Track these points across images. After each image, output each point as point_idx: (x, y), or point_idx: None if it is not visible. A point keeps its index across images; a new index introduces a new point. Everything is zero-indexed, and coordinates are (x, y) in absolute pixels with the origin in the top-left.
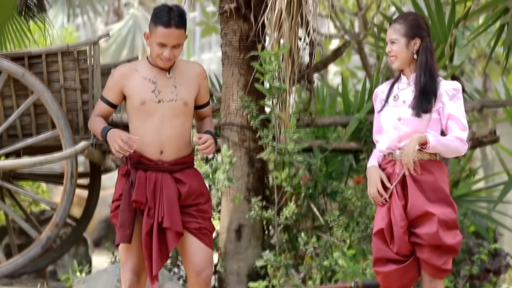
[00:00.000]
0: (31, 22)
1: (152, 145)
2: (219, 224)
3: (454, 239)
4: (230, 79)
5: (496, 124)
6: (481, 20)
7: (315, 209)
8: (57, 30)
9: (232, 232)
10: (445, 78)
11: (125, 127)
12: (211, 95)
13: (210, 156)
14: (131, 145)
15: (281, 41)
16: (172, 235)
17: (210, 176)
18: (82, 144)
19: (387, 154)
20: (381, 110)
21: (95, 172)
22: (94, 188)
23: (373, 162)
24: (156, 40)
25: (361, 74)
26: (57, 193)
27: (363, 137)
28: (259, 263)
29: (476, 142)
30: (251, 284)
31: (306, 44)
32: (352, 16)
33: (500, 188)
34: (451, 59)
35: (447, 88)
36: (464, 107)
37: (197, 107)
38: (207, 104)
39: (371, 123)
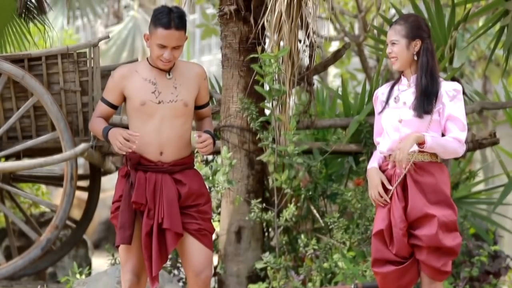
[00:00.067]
0: (31, 24)
1: (152, 146)
2: (219, 226)
3: (453, 241)
4: (230, 81)
5: (496, 126)
6: (481, 22)
7: (315, 211)
8: (57, 32)
9: (232, 234)
10: (445, 80)
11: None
12: (211, 97)
13: (210, 158)
14: (133, 141)
15: (281, 43)
16: (171, 236)
17: (210, 178)
18: (82, 146)
19: (387, 156)
20: (381, 111)
21: (95, 174)
22: (94, 190)
23: (373, 164)
24: (156, 42)
25: (361, 76)
26: (57, 195)
27: (363, 139)
28: (259, 265)
29: (476, 144)
30: (251, 286)
31: (306, 46)
32: (352, 18)
33: (500, 190)
34: (451, 61)
35: (448, 89)
36: (464, 109)
37: (197, 108)
38: (207, 104)
39: (371, 125)
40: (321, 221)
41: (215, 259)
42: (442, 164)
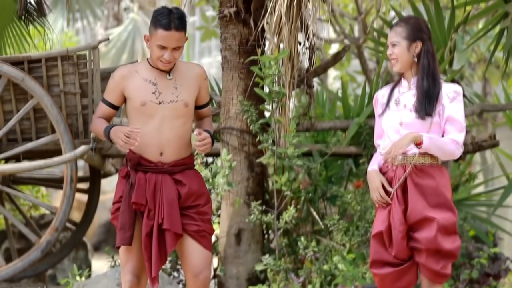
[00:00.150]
0: (30, 27)
1: (152, 146)
2: (219, 228)
3: (452, 244)
4: (229, 84)
5: (495, 128)
6: (480, 24)
7: (314, 213)
8: (56, 34)
9: (232, 236)
10: (445, 82)
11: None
12: (210, 99)
13: (210, 160)
14: (134, 137)
15: (281, 45)
16: (171, 237)
17: (210, 180)
18: (82, 148)
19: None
20: (382, 114)
21: (95, 177)
22: (93, 192)
23: (373, 166)
24: (157, 43)
25: (360, 78)
26: (56, 197)
27: (363, 141)
28: (259, 267)
29: (475, 146)
30: None
31: (306, 49)
32: (351, 20)
33: (499, 192)
34: (450, 63)
35: (448, 91)
36: (464, 111)
37: (197, 108)
38: (207, 104)
39: (371, 128)
40: (321, 223)
41: (215, 261)
42: (442, 167)
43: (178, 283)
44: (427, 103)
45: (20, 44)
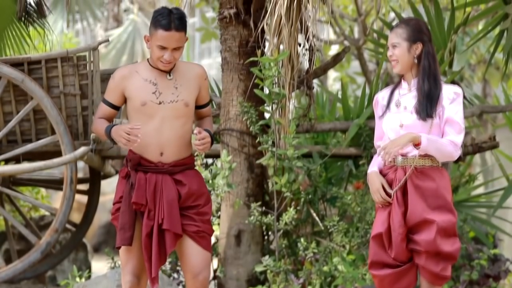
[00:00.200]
0: (30, 28)
1: (152, 146)
2: (219, 229)
3: (452, 246)
4: (229, 85)
5: (495, 129)
6: (480, 26)
7: (314, 215)
8: (56, 35)
9: (232, 238)
10: (445, 83)
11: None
12: (210, 100)
13: (210, 161)
14: (136, 134)
15: (281, 46)
16: (170, 237)
17: (210, 181)
18: (82, 149)
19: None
20: (382, 116)
21: (95, 178)
22: (93, 193)
23: (373, 168)
24: (157, 43)
25: (360, 79)
26: (56, 199)
27: (363, 143)
28: (259, 268)
29: (475, 148)
30: None
31: (306, 50)
32: (351, 22)
33: (499, 193)
34: (450, 65)
35: (448, 92)
36: (464, 112)
37: (198, 107)
38: (208, 104)
39: (371, 129)
40: (320, 224)
41: (215, 263)
42: (443, 169)
43: (178, 284)
44: (428, 104)
45: (20, 46)
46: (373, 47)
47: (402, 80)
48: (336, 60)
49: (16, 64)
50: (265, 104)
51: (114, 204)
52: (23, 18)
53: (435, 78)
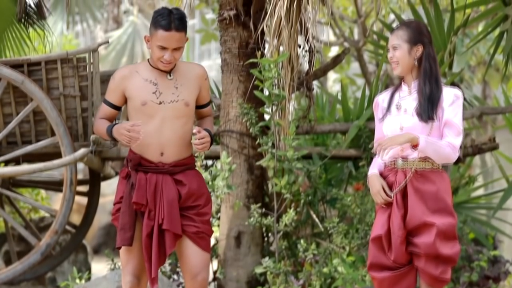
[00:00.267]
0: (30, 29)
1: (153, 146)
2: (219, 231)
3: (451, 249)
4: (229, 86)
5: (495, 131)
6: (480, 27)
7: (314, 216)
8: (56, 37)
9: (232, 239)
10: (445, 85)
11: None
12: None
13: (210, 162)
14: (137, 131)
15: (281, 48)
16: (170, 237)
17: (210, 183)
18: (82, 151)
19: (389, 163)
20: (382, 119)
21: (95, 179)
22: (93, 195)
23: (373, 170)
24: (157, 43)
25: (360, 81)
26: (56, 200)
27: (363, 144)
28: (259, 270)
29: (475, 149)
30: None
31: (306, 51)
32: (351, 23)
33: (499, 195)
34: (450, 66)
35: (448, 95)
36: (464, 114)
37: (198, 107)
38: (208, 104)
39: (371, 130)
40: (320, 226)
41: (215, 264)
42: (443, 172)
43: (178, 285)
44: (429, 106)
45: (20, 47)
46: (373, 48)
47: (402, 83)
48: (336, 61)
49: (16, 66)
50: (265, 106)
51: (114, 204)
52: (23, 20)
53: (436, 80)
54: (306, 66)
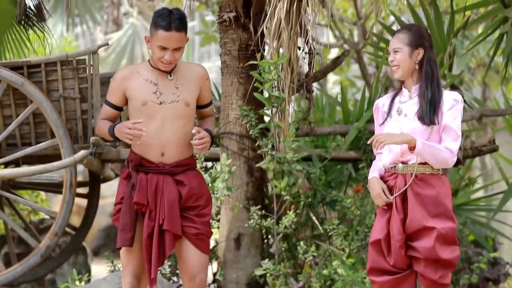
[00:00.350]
0: (30, 31)
1: (153, 147)
2: (218, 232)
3: (451, 254)
4: (229, 88)
5: (495, 133)
6: (480, 29)
7: (314, 218)
8: (56, 39)
9: (231, 241)
10: (445, 87)
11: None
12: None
13: (209, 165)
14: (139, 128)
15: (280, 50)
16: (170, 238)
17: (209, 185)
18: (81, 153)
19: (389, 168)
20: (383, 123)
21: (94, 181)
22: (93, 197)
23: (374, 174)
24: (157, 44)
25: (360, 83)
26: (56, 202)
27: (362, 146)
28: (258, 272)
29: (475, 151)
30: None
31: (305, 53)
32: (351, 25)
33: (499, 197)
34: (450, 68)
35: (448, 99)
36: (464, 116)
37: (199, 107)
38: (209, 104)
39: (370, 132)
40: (320, 228)
41: (215, 266)
42: (443, 176)
43: (178, 287)
44: (431, 110)
45: (20, 49)
46: (372, 50)
47: (403, 87)
48: (335, 63)
49: (16, 68)
50: (265, 108)
51: (115, 205)
52: (22, 22)
53: (438, 84)
54: (306, 68)
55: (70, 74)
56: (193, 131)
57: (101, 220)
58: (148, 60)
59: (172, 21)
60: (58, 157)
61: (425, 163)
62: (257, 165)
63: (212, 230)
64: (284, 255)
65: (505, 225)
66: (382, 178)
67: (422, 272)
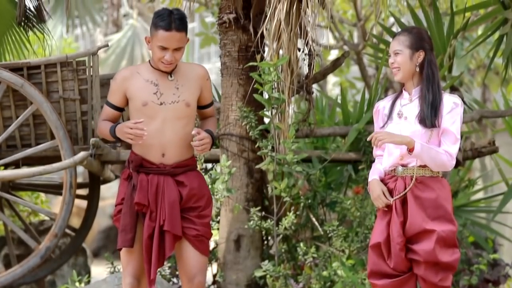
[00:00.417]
0: (30, 33)
1: (154, 148)
2: (218, 234)
3: (451, 256)
4: (229, 90)
5: (495, 134)
6: (480, 30)
7: (314, 220)
8: (56, 40)
9: (231, 242)
10: (444, 89)
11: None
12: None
13: (209, 166)
14: (140, 127)
15: (280, 51)
16: (170, 239)
17: (209, 186)
18: (81, 154)
19: (389, 170)
20: (383, 126)
21: (94, 183)
22: (93, 198)
23: (374, 176)
24: (157, 44)
25: (360, 84)
26: (56, 204)
27: (362, 148)
28: (258, 273)
29: (475, 153)
30: None
31: (305, 55)
32: (351, 26)
33: (499, 198)
34: (450, 69)
35: (447, 102)
36: (463, 117)
37: (201, 107)
38: (210, 104)
39: (370, 134)
40: (320, 229)
41: (215, 268)
42: (443, 179)
43: None
44: (432, 113)
45: (20, 50)
46: (372, 52)
47: (403, 90)
48: (335, 65)
49: (16, 69)
50: (265, 109)
51: (116, 206)
52: (22, 23)
53: (439, 87)
54: (305, 70)
55: (70, 75)
56: (193, 132)
57: (101, 221)
58: (149, 60)
59: (172, 21)
60: (58, 158)
61: (425, 166)
62: (257, 166)
63: (212, 231)
64: (284, 256)
65: (505, 226)
66: (382, 180)
67: (423, 275)
